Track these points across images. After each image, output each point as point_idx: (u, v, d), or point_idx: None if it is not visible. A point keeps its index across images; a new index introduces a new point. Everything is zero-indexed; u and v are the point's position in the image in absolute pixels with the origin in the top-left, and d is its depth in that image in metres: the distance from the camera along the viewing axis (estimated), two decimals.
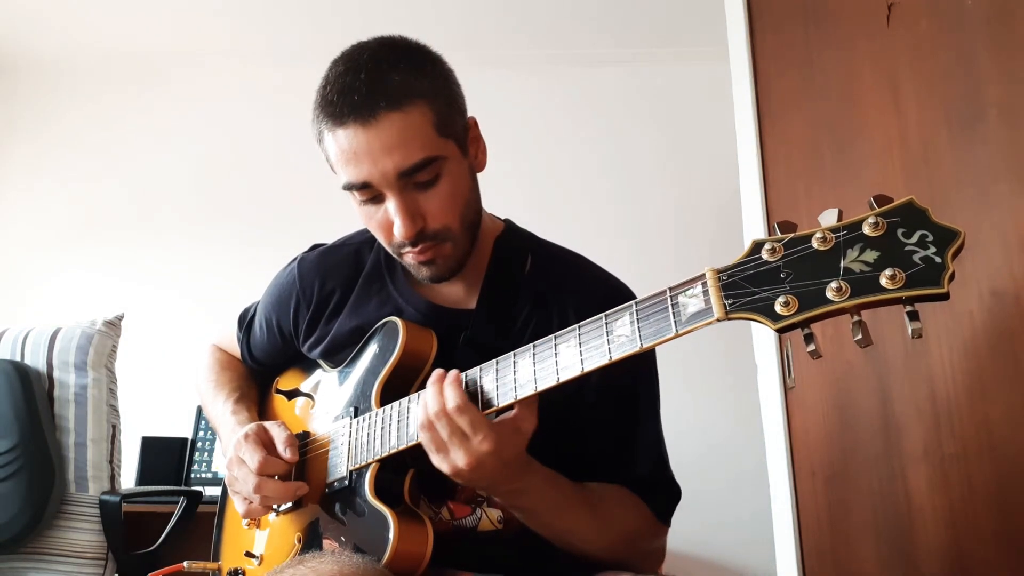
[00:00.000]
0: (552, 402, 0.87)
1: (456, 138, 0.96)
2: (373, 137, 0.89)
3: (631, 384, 1.03)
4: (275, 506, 1.07)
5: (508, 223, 1.13)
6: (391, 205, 0.92)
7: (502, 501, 0.95)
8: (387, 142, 0.89)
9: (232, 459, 1.04)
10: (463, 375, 0.88)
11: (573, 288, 1.04)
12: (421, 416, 0.86)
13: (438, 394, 0.85)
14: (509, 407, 0.86)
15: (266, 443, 1.03)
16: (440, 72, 0.96)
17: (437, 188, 0.93)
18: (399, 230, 0.92)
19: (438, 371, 0.88)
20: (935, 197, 1.25)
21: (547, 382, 0.81)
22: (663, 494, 1.03)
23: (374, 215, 0.95)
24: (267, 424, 1.06)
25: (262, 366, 1.25)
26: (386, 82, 0.90)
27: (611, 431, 1.02)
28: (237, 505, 1.06)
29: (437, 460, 0.86)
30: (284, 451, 1.02)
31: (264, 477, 1.00)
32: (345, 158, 0.91)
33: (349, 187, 0.93)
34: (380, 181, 0.91)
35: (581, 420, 1.00)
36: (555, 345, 0.81)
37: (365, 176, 0.91)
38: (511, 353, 0.86)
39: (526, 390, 0.83)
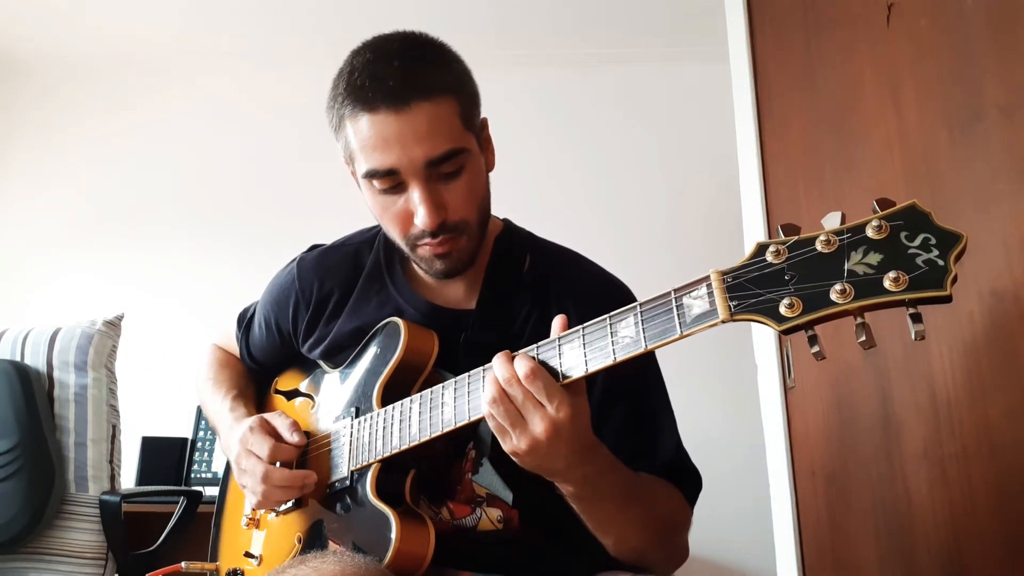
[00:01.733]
0: None
1: (476, 134, 0.97)
2: (405, 124, 0.89)
3: (638, 384, 1.02)
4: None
5: (507, 222, 1.13)
6: (416, 194, 0.92)
7: (571, 489, 0.87)
8: (418, 130, 0.89)
9: (240, 453, 1.04)
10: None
11: (572, 286, 1.04)
12: (491, 390, 0.81)
13: (507, 363, 0.81)
14: None
15: (271, 433, 1.04)
16: (463, 69, 0.98)
17: (459, 180, 0.94)
18: (423, 219, 0.92)
19: (502, 352, 0.84)
20: (935, 197, 1.25)
21: None
22: (688, 479, 1.01)
23: (392, 205, 0.95)
24: (267, 415, 1.07)
25: (261, 366, 1.25)
26: (420, 72, 0.91)
27: (626, 425, 1.00)
28: (249, 498, 1.06)
29: (515, 436, 0.80)
30: (291, 436, 1.03)
31: (272, 466, 1.01)
32: (372, 144, 0.90)
33: (372, 174, 0.92)
34: (407, 169, 0.91)
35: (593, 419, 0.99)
36: (559, 346, 0.81)
37: (393, 162, 0.90)
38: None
39: None
